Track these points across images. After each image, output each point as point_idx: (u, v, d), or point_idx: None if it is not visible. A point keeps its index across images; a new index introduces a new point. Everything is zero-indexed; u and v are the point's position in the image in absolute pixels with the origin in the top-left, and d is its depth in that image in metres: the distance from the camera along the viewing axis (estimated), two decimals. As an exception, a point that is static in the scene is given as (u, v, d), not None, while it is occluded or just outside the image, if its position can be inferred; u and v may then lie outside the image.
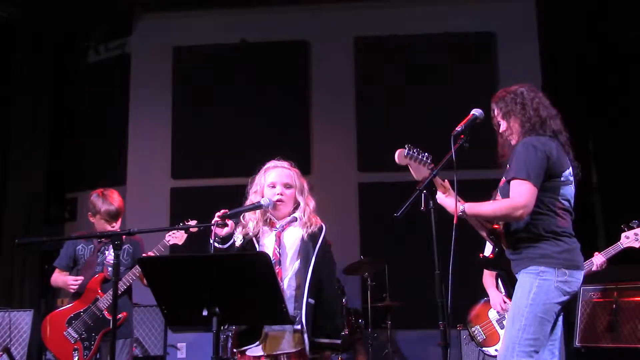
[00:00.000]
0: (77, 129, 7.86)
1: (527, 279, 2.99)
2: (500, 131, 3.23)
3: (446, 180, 3.13)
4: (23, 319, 5.54)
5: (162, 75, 7.58)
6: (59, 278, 4.44)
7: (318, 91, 7.50)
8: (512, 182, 2.99)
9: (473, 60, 7.23)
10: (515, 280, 3.12)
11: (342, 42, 7.52)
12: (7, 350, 5.34)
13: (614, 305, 5.07)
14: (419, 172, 3.09)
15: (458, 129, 3.04)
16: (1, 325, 5.43)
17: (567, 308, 5.94)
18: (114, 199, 4.39)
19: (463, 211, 3.04)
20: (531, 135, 3.08)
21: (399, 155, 3.06)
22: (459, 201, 3.05)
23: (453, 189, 3.09)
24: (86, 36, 7.91)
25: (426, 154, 3.10)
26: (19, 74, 7.42)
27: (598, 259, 4.45)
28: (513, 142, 3.19)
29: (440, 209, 3.11)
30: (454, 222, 2.95)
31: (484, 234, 3.25)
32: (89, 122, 7.79)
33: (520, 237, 3.06)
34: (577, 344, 5.22)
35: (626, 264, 4.82)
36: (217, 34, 7.59)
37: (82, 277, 4.29)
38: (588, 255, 4.54)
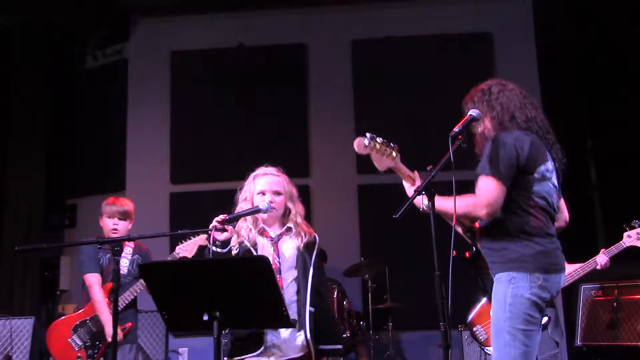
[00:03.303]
0: (76, 135, 7.85)
1: (501, 289, 2.87)
2: (478, 132, 3.12)
3: (415, 171, 3.03)
4: (24, 326, 5.52)
5: (161, 80, 7.58)
6: (102, 300, 4.21)
7: (316, 94, 7.51)
8: (478, 179, 2.89)
9: (470, 60, 7.23)
10: (491, 279, 3.02)
11: (340, 44, 7.53)
12: (8, 358, 5.34)
13: (615, 304, 5.07)
14: (381, 162, 2.92)
15: (456, 129, 2.97)
16: (2, 333, 5.42)
17: (568, 307, 5.95)
18: (125, 203, 4.47)
19: (428, 205, 2.89)
20: (502, 131, 2.97)
21: (358, 145, 2.83)
22: (425, 195, 2.88)
23: (452, 190, 3.05)
24: (83, 42, 7.92)
25: (391, 143, 2.93)
26: (16, 82, 7.42)
27: (602, 259, 4.45)
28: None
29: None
30: (453, 222, 2.94)
31: (459, 230, 3.14)
32: (87, 128, 7.78)
33: (492, 238, 2.95)
34: (578, 342, 5.23)
35: (627, 262, 4.82)
36: (215, 38, 7.60)
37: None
38: (588, 253, 4.55)
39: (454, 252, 3.02)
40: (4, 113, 7.35)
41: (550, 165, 2.97)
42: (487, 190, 2.83)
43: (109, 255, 4.37)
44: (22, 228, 7.10)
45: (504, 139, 2.90)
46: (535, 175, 2.91)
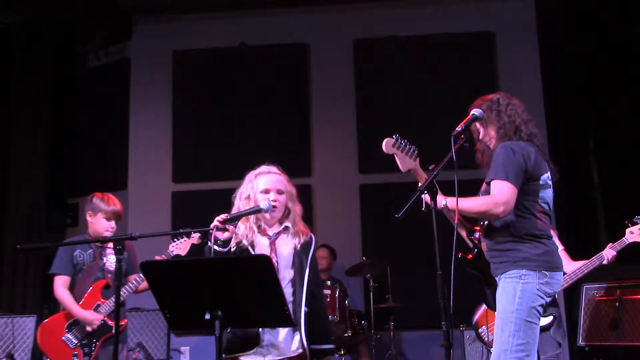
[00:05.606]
0: (78, 135, 7.86)
1: (510, 284, 3.01)
2: (479, 138, 3.29)
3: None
4: (26, 324, 5.53)
5: (162, 79, 7.59)
6: (68, 298, 4.29)
7: (318, 93, 7.50)
8: (492, 183, 3.04)
9: (472, 60, 7.23)
10: (492, 282, 3.17)
11: (342, 44, 7.52)
12: (10, 357, 5.34)
13: (617, 303, 5.06)
14: (405, 162, 3.13)
15: (458, 129, 3.07)
16: (4, 331, 5.43)
17: (570, 307, 5.94)
18: (116, 201, 4.46)
19: (445, 205, 3.06)
20: (506, 140, 3.14)
21: (386, 144, 3.09)
22: (442, 196, 3.09)
23: (454, 190, 3.09)
24: (85, 41, 7.91)
25: (413, 146, 3.14)
26: (18, 81, 7.44)
27: (609, 253, 4.46)
28: (491, 147, 3.25)
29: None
30: (455, 222, 2.97)
31: (464, 233, 3.29)
32: (89, 127, 7.79)
33: (500, 240, 3.10)
34: (580, 342, 5.22)
35: (629, 262, 4.82)
36: (216, 37, 7.59)
37: (100, 317, 4.23)
38: (591, 254, 4.54)
39: (460, 253, 3.22)
40: (6, 112, 7.36)
41: (550, 175, 3.17)
42: (502, 191, 2.99)
43: (90, 251, 4.36)
44: (24, 227, 7.11)
45: (513, 147, 3.07)
46: (540, 182, 3.10)
